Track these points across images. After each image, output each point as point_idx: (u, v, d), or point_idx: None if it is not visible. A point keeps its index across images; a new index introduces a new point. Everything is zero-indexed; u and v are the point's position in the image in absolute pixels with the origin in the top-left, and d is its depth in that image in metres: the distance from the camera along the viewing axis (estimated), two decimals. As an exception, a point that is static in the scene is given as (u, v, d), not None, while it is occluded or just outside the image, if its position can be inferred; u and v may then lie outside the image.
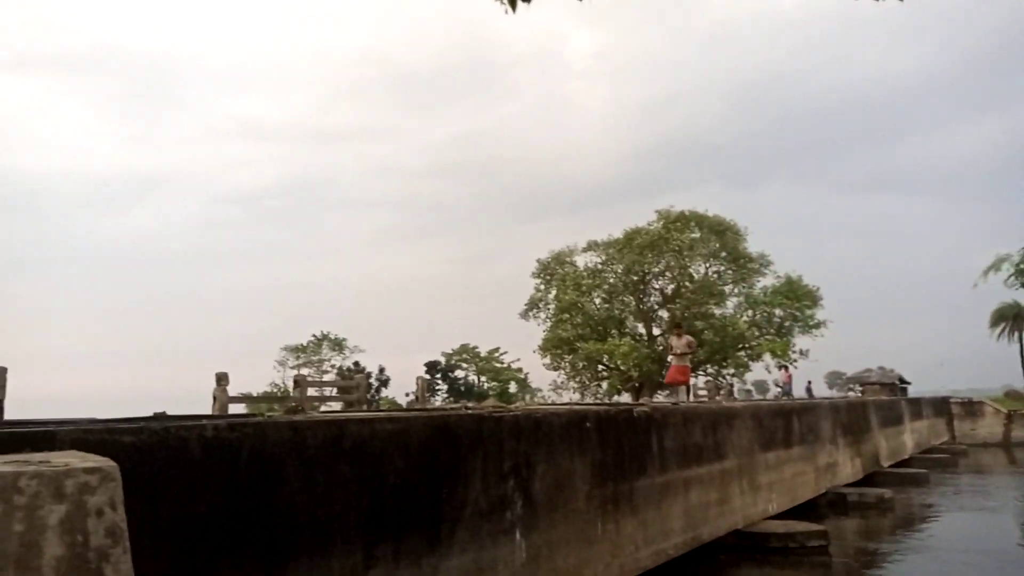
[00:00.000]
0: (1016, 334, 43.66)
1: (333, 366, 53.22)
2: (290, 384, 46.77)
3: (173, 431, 4.56)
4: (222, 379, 13.49)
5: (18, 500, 2.40)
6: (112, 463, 2.70)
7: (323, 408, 18.69)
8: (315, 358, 53.39)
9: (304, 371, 51.28)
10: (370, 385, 46.46)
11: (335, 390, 19.42)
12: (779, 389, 35.83)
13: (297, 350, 53.77)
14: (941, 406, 35.79)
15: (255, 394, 46.16)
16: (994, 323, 45.25)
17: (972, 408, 36.48)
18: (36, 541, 2.33)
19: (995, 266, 40.53)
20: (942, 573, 10.48)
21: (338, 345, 53.74)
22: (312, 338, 54.10)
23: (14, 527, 2.34)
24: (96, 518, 2.45)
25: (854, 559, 11.36)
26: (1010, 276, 39.45)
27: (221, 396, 13.34)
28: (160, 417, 8.22)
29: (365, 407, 15.48)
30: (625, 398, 39.30)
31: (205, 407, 13.96)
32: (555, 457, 7.78)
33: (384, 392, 50.42)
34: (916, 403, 30.76)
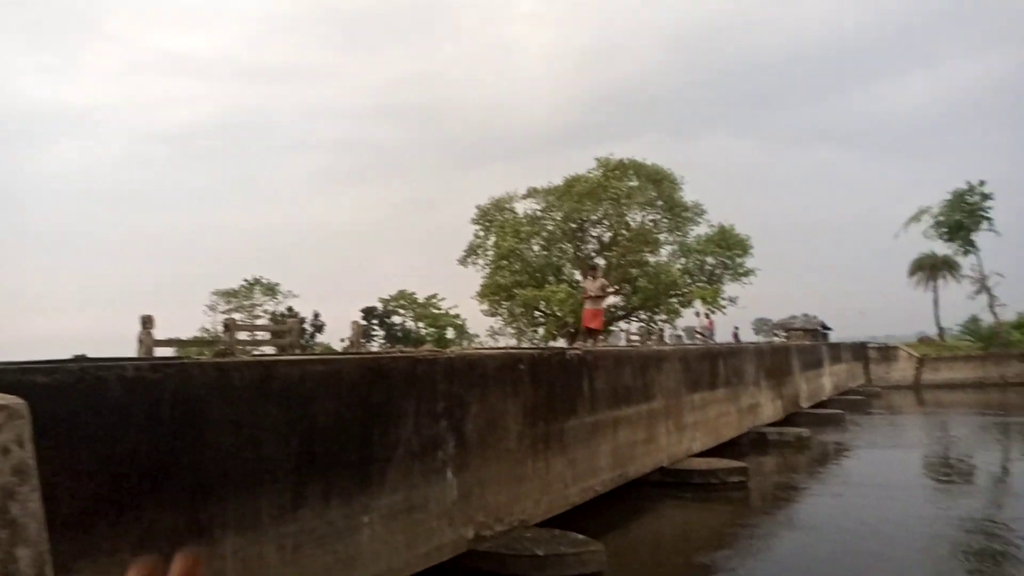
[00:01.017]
0: (932, 283, 45.79)
1: (266, 311, 52.27)
2: (221, 329, 45.81)
3: (91, 371, 4.43)
4: (147, 322, 13.09)
5: (-83, 438, 2.31)
6: (19, 400, 2.60)
7: (255, 352, 18.41)
8: (247, 303, 52.29)
9: (236, 316, 50.28)
10: (304, 330, 45.87)
11: (267, 335, 19.11)
12: (700, 336, 36.64)
13: (228, 295, 52.53)
14: (859, 351, 37.53)
15: (184, 338, 45.12)
16: (912, 272, 47.24)
17: (887, 353, 38.37)
18: (-63, 479, 2.25)
19: (916, 217, 42.20)
20: (850, 505, 11.12)
21: (271, 290, 52.70)
22: (244, 282, 52.89)
23: (-87, 465, 2.25)
24: (2, 455, 2.36)
25: (770, 493, 11.96)
26: (929, 227, 41.19)
27: (147, 340, 12.97)
28: (80, 359, 7.95)
29: (298, 352, 15.31)
30: (561, 344, 39.94)
31: (132, 352, 13.58)
32: (488, 398, 7.88)
33: (319, 338, 49.83)
34: (836, 348, 32.18)
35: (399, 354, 7.14)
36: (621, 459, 10.76)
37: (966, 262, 41.26)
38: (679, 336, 38.78)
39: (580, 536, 7.83)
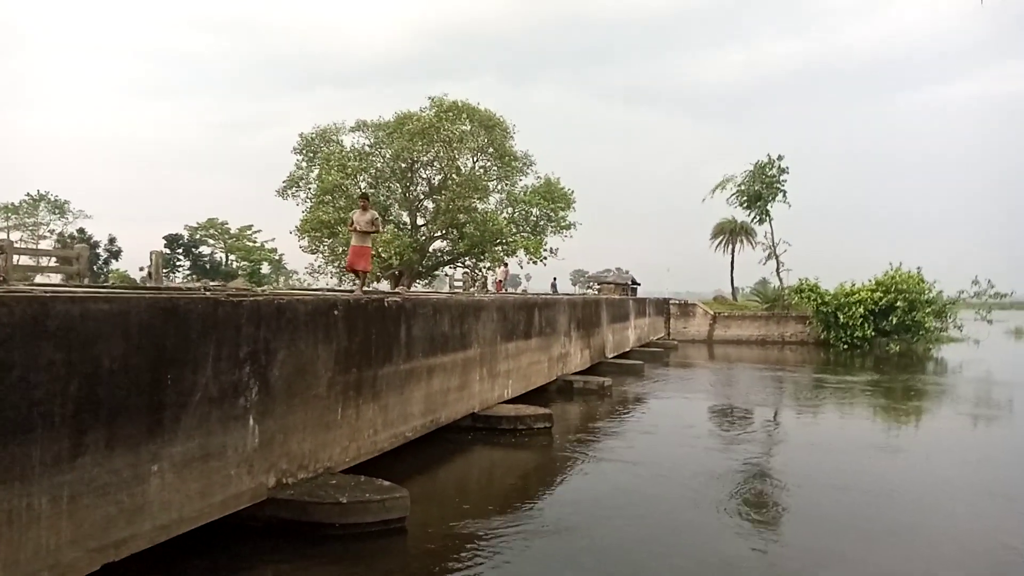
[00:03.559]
0: (730, 247, 50.10)
1: (52, 231, 47.18)
2: (0, 248, 40.74)
3: None
4: (-100, 239, 11.33)
5: None
6: None
7: (38, 279, 16.55)
8: (30, 220, 46.87)
9: (15, 236, 44.91)
10: (96, 256, 41.94)
11: (53, 261, 17.21)
12: (490, 290, 36.74)
13: (7, 210, 46.75)
14: (661, 306, 40.47)
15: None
16: (714, 236, 51.44)
17: (686, 309, 41.71)
18: None
19: (721, 185, 45.71)
20: (641, 450, 12.10)
21: (59, 208, 47.53)
22: (27, 197, 47.24)
23: None
24: None
25: (572, 438, 12.71)
26: (732, 195, 44.80)
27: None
28: None
29: (87, 281, 13.95)
30: (384, 286, 39.54)
31: None
32: (297, 344, 7.65)
33: (114, 265, 45.80)
34: (641, 303, 34.45)
35: (200, 294, 6.69)
36: (434, 405, 10.93)
37: (761, 229, 45.42)
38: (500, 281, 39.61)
39: (386, 483, 7.90)
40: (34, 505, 4.84)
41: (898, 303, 35.76)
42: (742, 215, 46.28)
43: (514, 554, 7.01)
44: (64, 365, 5.04)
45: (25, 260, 17.20)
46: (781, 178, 42.66)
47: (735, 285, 51.59)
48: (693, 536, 7.77)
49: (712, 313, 41.06)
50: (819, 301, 37.63)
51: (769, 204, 43.02)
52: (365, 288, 13.07)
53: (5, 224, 46.01)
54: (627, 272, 50.66)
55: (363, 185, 39.57)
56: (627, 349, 27.92)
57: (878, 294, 36.29)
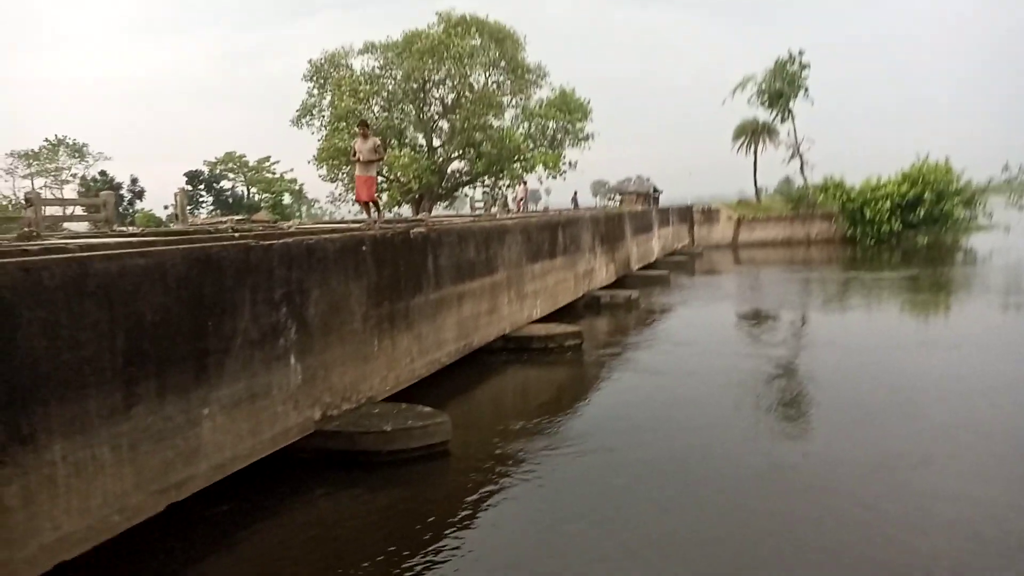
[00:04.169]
0: (752, 147, 49.04)
1: (74, 175, 47.45)
2: (22, 197, 41.20)
3: None
4: (-70, 199, 11.51)
5: None
6: None
7: (65, 227, 16.82)
8: (51, 166, 47.10)
9: (38, 182, 45.26)
10: (121, 198, 42.24)
11: (80, 209, 17.40)
12: (511, 208, 36.12)
13: (28, 157, 46.94)
14: (685, 214, 40.08)
15: (-20, 208, 40.25)
16: (736, 137, 50.28)
17: (710, 215, 41.27)
18: None
19: (741, 85, 44.37)
20: (672, 359, 12.28)
21: (78, 152, 47.61)
22: (46, 143, 47.31)
23: None
24: None
25: (603, 353, 12.90)
26: (752, 95, 43.54)
27: (-68, 218, 11.44)
28: None
29: (116, 226, 14.14)
30: (405, 210, 39.55)
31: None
32: (330, 282, 7.76)
33: (139, 205, 46.14)
34: (665, 212, 34.15)
35: (230, 241, 6.78)
36: (466, 331, 11.11)
37: (783, 128, 44.32)
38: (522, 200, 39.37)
39: (427, 408, 8.14)
40: (97, 455, 5.08)
41: (926, 195, 35.07)
42: (764, 115, 45.10)
43: (555, 472, 7.26)
44: (108, 322, 5.18)
45: (53, 210, 17.40)
46: (803, 74, 41.29)
47: (758, 186, 50.76)
48: (733, 442, 7.93)
49: (736, 217, 40.62)
50: (845, 198, 37.02)
51: (791, 102, 41.83)
52: (377, 217, 12.56)
53: (28, 171, 46.33)
54: (648, 180, 50.04)
55: (376, 109, 39.02)
56: (652, 260, 27.89)
57: (905, 187, 35.58)
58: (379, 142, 11.84)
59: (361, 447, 7.57)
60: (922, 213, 35.28)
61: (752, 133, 48.84)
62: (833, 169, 44.56)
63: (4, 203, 41.99)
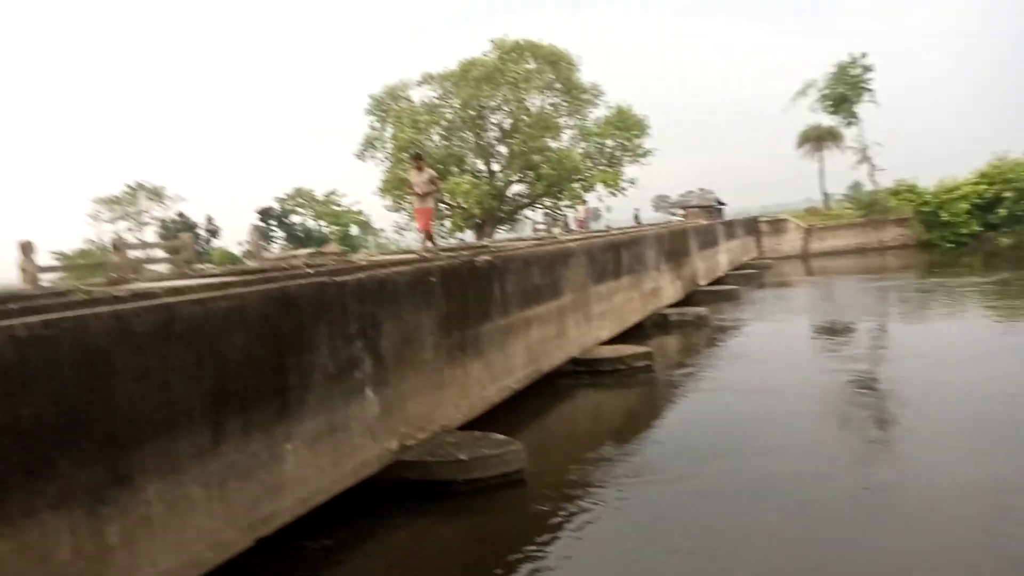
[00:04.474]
0: (817, 153, 47.91)
1: (154, 218, 49.67)
2: (107, 240, 43.32)
3: (-24, 336, 4.16)
4: (27, 248, 12.23)
5: None
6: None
7: (148, 269, 17.59)
8: (132, 210, 49.46)
9: (121, 224, 47.54)
10: (197, 237, 43.97)
11: (162, 252, 18.23)
12: (573, 229, 35.83)
13: (110, 202, 49.43)
14: (751, 225, 39.33)
15: (69, 252, 42.53)
16: (800, 144, 49.22)
17: (777, 225, 40.38)
18: None
19: (803, 91, 43.57)
20: (746, 374, 12.01)
21: (156, 195, 49.89)
22: (126, 188, 49.77)
23: None
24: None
25: (675, 373, 12.72)
26: (815, 101, 42.64)
27: (29, 267, 12.17)
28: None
29: (195, 265, 14.74)
30: (468, 235, 39.97)
31: (9, 269, 12.82)
32: (402, 314, 7.90)
33: (214, 242, 47.96)
34: (730, 225, 33.59)
35: (305, 279, 6.99)
36: (534, 355, 11.13)
37: (849, 133, 43.18)
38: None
39: (500, 436, 8.16)
40: (189, 493, 5.27)
41: (1006, 193, 33.52)
42: (828, 120, 44.05)
43: (635, 500, 7.16)
44: (195, 363, 5.39)
45: (136, 252, 18.25)
46: (866, 76, 40.22)
47: (826, 192, 49.45)
48: (824, 464, 7.64)
49: (805, 226, 39.63)
50: (918, 201, 35.75)
51: (856, 105, 40.74)
52: (432, 247, 12.65)
53: (111, 215, 48.79)
54: (711, 192, 49.33)
55: (436, 138, 39.74)
56: (720, 274, 27.42)
57: (983, 187, 34.14)
58: (434, 174, 12.01)
59: (438, 477, 7.63)
60: (1003, 213, 33.73)
61: (816, 139, 47.68)
62: (904, 172, 43.02)
63: (91, 247, 44.27)
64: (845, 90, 40.49)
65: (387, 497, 7.54)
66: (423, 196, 11.56)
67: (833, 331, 16.37)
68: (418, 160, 12.10)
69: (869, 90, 40.39)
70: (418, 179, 11.49)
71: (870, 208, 40.15)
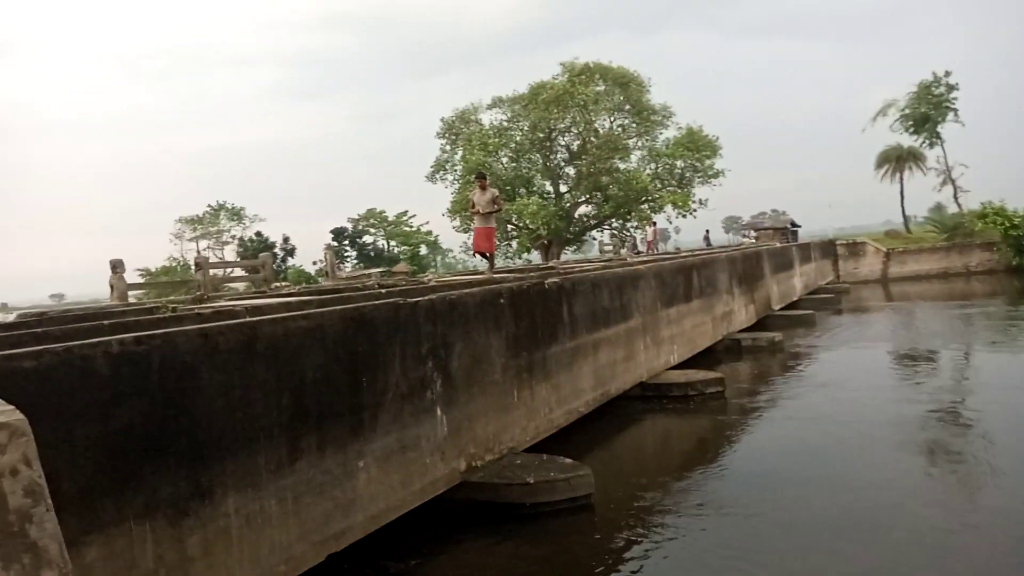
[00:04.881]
0: (898, 174, 46.35)
1: (233, 237, 51.63)
2: (190, 258, 45.20)
3: (76, 351, 4.40)
4: (117, 267, 12.89)
5: (-77, 468, 2.30)
6: (20, 416, 2.60)
7: (228, 287, 18.26)
8: (213, 229, 51.54)
9: (202, 243, 49.51)
10: (274, 256, 45.40)
11: (242, 271, 18.91)
12: (640, 250, 35.70)
13: (193, 221, 51.65)
14: (828, 248, 38.20)
15: (153, 269, 44.54)
16: (879, 165, 47.70)
17: (855, 248, 39.12)
18: (-50, 509, 2.27)
19: (883, 111, 42.33)
20: (822, 404, 11.61)
21: (236, 215, 51.90)
22: (208, 208, 51.93)
23: (-76, 497, 2.26)
24: (11, 478, 2.38)
25: (747, 400, 12.40)
26: (896, 120, 41.34)
27: (119, 284, 12.80)
28: (42, 319, 7.87)
29: (275, 285, 15.22)
30: (535, 256, 40.10)
31: (101, 285, 13.47)
32: (471, 335, 7.98)
33: (291, 262, 49.45)
34: (805, 248, 32.70)
35: (380, 301, 7.15)
36: (602, 379, 11.05)
37: (932, 154, 41.65)
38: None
39: (568, 460, 8.11)
40: (265, 507, 5.42)
41: (1107, 216, 31.70)
42: (909, 140, 42.58)
43: (711, 532, 6.98)
44: (275, 381, 5.57)
45: (216, 270, 18.97)
46: (951, 96, 38.75)
47: (907, 215, 47.71)
48: (898, 502, 7.34)
49: (885, 250, 38.27)
50: (1007, 224, 34.07)
51: (939, 125, 39.26)
52: (490, 269, 12.81)
53: (194, 233, 50.97)
54: (784, 213, 48.27)
55: (504, 160, 40.15)
56: (794, 298, 26.69)
57: (1080, 209, 32.34)
58: (497, 193, 12.05)
59: (504, 499, 7.63)
60: (1103, 236, 31.90)
61: (897, 160, 46.16)
62: (991, 193, 41.19)
63: (174, 265, 46.26)
64: (927, 110, 39.10)
65: (453, 518, 7.58)
66: (485, 215, 11.61)
67: (915, 359, 15.70)
68: (481, 179, 12.21)
69: (953, 109, 38.92)
70: (480, 198, 11.56)
71: (954, 231, 38.53)
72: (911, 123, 40.35)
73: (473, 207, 11.77)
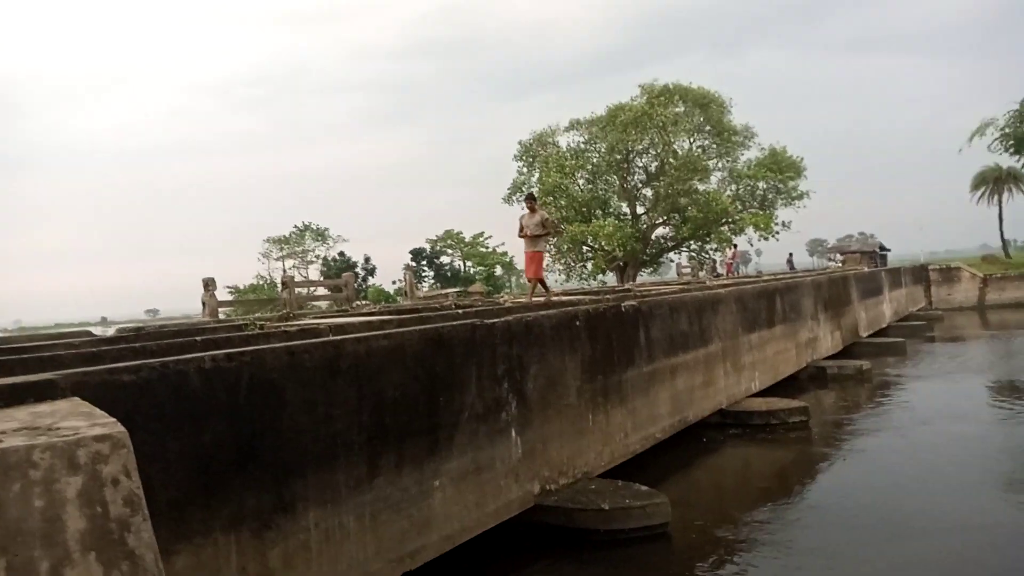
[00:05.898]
0: (996, 197, 44.04)
1: (317, 256, 53.28)
2: (276, 276, 46.88)
3: (171, 366, 4.60)
4: (209, 284, 13.48)
5: (34, 475, 2.44)
6: (121, 429, 2.74)
7: (312, 305, 18.84)
8: (298, 249, 53.33)
9: (288, 262, 51.26)
10: (356, 275, 46.63)
11: (325, 290, 19.47)
12: (720, 273, 35.10)
13: (280, 241, 53.57)
14: (919, 273, 36.54)
15: (241, 287, 46.37)
16: (975, 186, 45.45)
17: (949, 274, 37.28)
18: (58, 515, 2.39)
19: (980, 131, 40.39)
20: (911, 437, 11.04)
21: (321, 235, 53.58)
22: (294, 229, 53.81)
23: (34, 502, 2.39)
24: (112, 487, 2.51)
25: (832, 431, 11.92)
26: (994, 140, 39.38)
27: (210, 301, 13.38)
28: (139, 334, 8.28)
29: (356, 304, 15.61)
30: (610, 277, 39.82)
31: (193, 302, 14.11)
32: (547, 357, 7.97)
33: (371, 281, 50.67)
34: (896, 272, 31.37)
35: (457, 321, 7.24)
36: (680, 405, 10.83)
37: (1033, 175, 39.43)
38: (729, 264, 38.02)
39: (644, 488, 7.96)
40: (344, 523, 5.52)
41: None
42: (1008, 161, 40.44)
43: (781, 569, 6.73)
44: (356, 398, 5.69)
45: (302, 290, 19.60)
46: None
47: (1006, 239, 45.21)
48: (996, 546, 6.90)
49: (982, 275, 36.32)
50: (1123, 250, 31.82)
51: (1043, 145, 37.18)
52: (545, 294, 12.41)
53: (280, 253, 52.90)
54: (872, 236, 46.56)
55: (581, 182, 40.15)
56: (883, 325, 25.59)
57: None
58: (547, 216, 11.40)
59: (578, 524, 7.54)
60: None
61: (995, 181, 43.91)
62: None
63: (261, 283, 48.05)
64: (1029, 129, 37.10)
65: (526, 541, 7.53)
66: (534, 239, 11.09)
67: (1018, 392, 14.79)
68: (531, 201, 11.56)
69: (1058, 128, 36.80)
70: (529, 221, 10.95)
71: (1060, 257, 36.28)
72: (1012, 143, 38.35)
73: (522, 230, 11.22)
